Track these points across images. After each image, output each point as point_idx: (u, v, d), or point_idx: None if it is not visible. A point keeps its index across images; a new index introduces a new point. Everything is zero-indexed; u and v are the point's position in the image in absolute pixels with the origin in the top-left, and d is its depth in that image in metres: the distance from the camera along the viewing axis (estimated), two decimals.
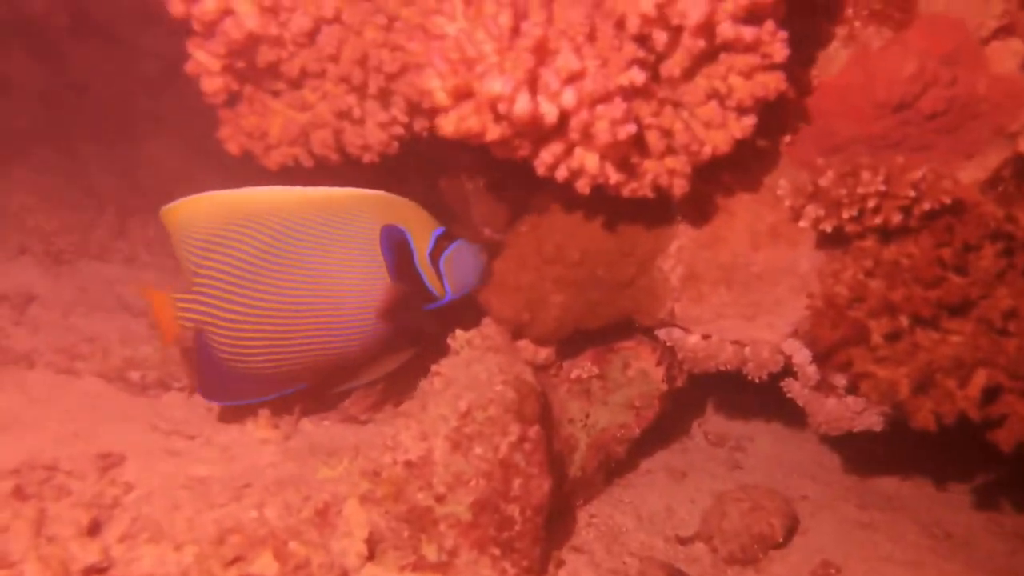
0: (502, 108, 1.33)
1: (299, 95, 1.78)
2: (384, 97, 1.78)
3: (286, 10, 1.62)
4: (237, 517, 1.66)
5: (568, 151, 1.44)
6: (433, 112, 1.43)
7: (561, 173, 1.52)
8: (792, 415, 2.16)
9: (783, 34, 1.46)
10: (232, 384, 2.13)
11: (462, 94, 1.35)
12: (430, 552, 1.75)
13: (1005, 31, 1.58)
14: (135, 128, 4.24)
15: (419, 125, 1.87)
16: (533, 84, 1.35)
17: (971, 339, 1.55)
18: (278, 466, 2.00)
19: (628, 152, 1.46)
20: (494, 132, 1.36)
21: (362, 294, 1.98)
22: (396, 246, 1.97)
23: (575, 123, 1.35)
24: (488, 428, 1.80)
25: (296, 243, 1.93)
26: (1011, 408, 1.50)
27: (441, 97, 1.35)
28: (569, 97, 1.30)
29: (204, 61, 1.72)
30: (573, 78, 1.33)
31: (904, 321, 1.61)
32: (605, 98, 1.34)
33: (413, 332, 2.11)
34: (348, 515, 1.76)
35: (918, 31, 1.62)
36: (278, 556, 1.55)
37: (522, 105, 1.31)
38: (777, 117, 1.70)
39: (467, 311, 2.28)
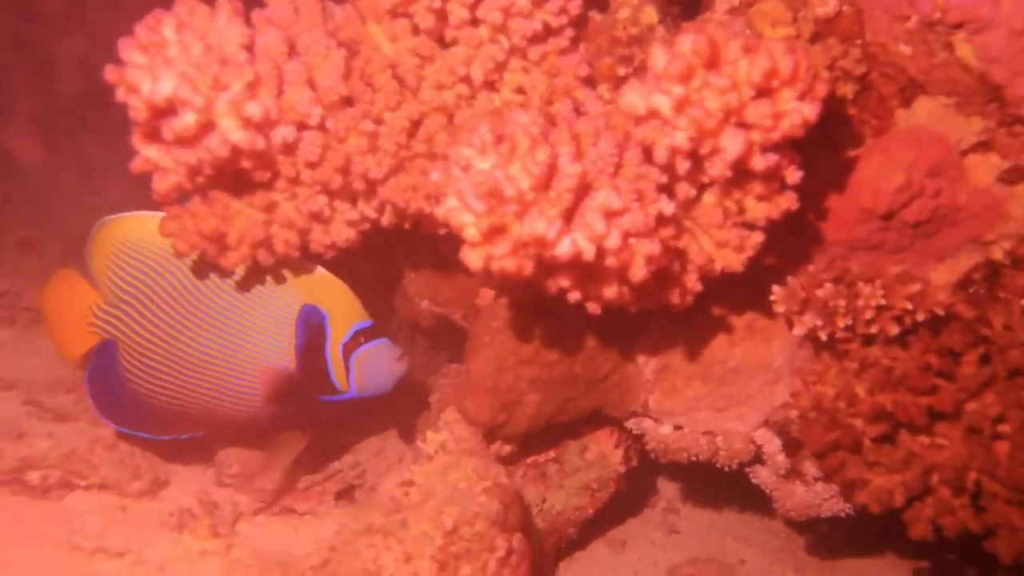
0: (543, 250, 1.24)
1: (265, 196, 1.62)
2: (364, 199, 1.65)
3: (270, 123, 1.46)
4: None
5: (598, 285, 1.37)
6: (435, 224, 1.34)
7: (576, 298, 1.45)
8: (718, 473, 2.17)
9: (798, 157, 1.45)
10: (129, 407, 2.08)
11: (495, 232, 1.25)
12: None
13: (984, 146, 1.63)
14: None
15: (387, 220, 1.75)
16: (569, 221, 1.27)
17: (963, 446, 1.60)
18: None
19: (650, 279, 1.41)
20: (527, 270, 1.27)
21: (263, 363, 1.93)
22: (310, 328, 1.90)
23: (612, 260, 1.29)
24: (476, 544, 1.71)
25: (222, 292, 1.90)
26: (1003, 517, 1.56)
27: (472, 234, 1.25)
28: (614, 239, 1.23)
29: (157, 159, 1.53)
30: (612, 215, 1.26)
31: (896, 427, 1.64)
32: (643, 234, 1.28)
33: (304, 419, 2.05)
34: None
35: (902, 142, 1.65)
36: None
37: (565, 247, 1.23)
38: None
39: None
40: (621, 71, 1.71)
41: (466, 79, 1.59)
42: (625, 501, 2.39)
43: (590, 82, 1.67)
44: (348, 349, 1.92)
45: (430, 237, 1.89)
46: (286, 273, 1.89)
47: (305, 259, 1.82)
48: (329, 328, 1.91)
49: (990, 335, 1.65)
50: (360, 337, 1.93)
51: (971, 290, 1.72)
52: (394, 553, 1.69)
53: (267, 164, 1.56)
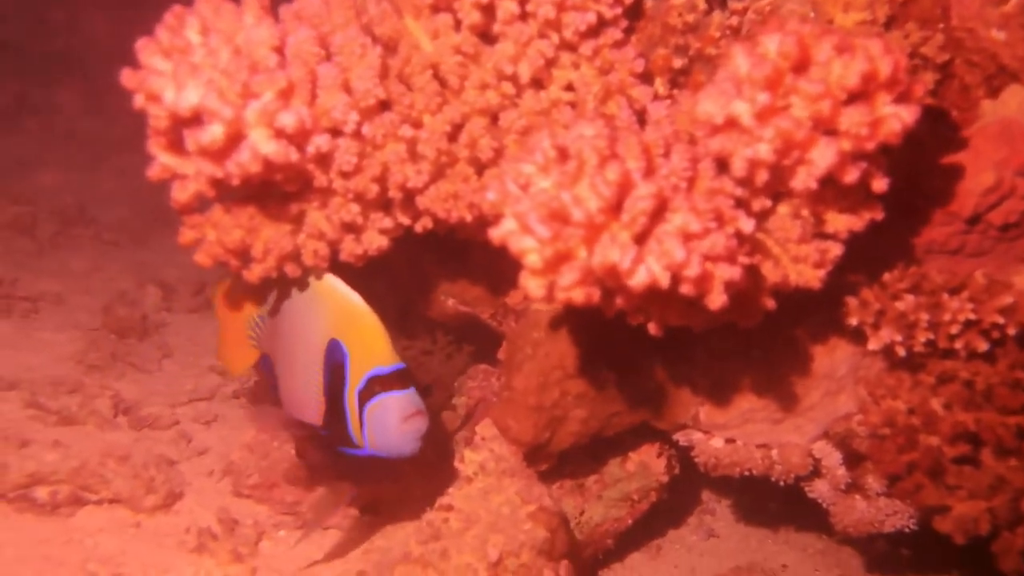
0: (615, 280, 1.11)
1: (295, 206, 1.47)
2: (401, 209, 1.51)
3: (304, 134, 1.31)
4: None
5: (667, 309, 1.24)
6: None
7: (639, 321, 1.32)
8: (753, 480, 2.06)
9: (885, 163, 1.31)
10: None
11: (561, 259, 1.12)
12: None
13: None
14: None
15: (421, 227, 1.61)
16: (643, 245, 1.13)
17: None
18: None
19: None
20: (595, 298, 1.14)
21: (310, 397, 1.70)
22: (334, 368, 1.64)
23: (689, 288, 1.15)
24: (523, 575, 1.60)
25: (297, 311, 1.71)
26: None
27: (535, 261, 1.12)
28: (695, 266, 1.10)
29: (176, 167, 1.39)
30: (691, 238, 1.13)
31: (979, 448, 1.52)
32: (723, 258, 1.14)
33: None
34: None
35: (991, 137, 1.51)
36: None
37: (641, 277, 1.09)
38: None
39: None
40: (677, 63, 1.56)
41: (512, 78, 1.44)
42: (661, 506, 2.28)
43: (645, 77, 1.53)
44: (363, 398, 1.61)
45: (462, 240, 1.75)
46: (324, 295, 1.66)
47: (336, 272, 1.64)
48: (348, 370, 1.62)
49: None
50: (375, 386, 1.60)
51: None
52: None
53: (298, 175, 1.41)
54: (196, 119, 1.27)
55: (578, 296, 1.14)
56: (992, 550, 1.54)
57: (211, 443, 2.42)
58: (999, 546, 1.51)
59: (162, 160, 1.39)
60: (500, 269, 2.09)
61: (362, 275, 2.32)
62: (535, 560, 1.61)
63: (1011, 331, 1.49)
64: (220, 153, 1.29)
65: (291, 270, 1.55)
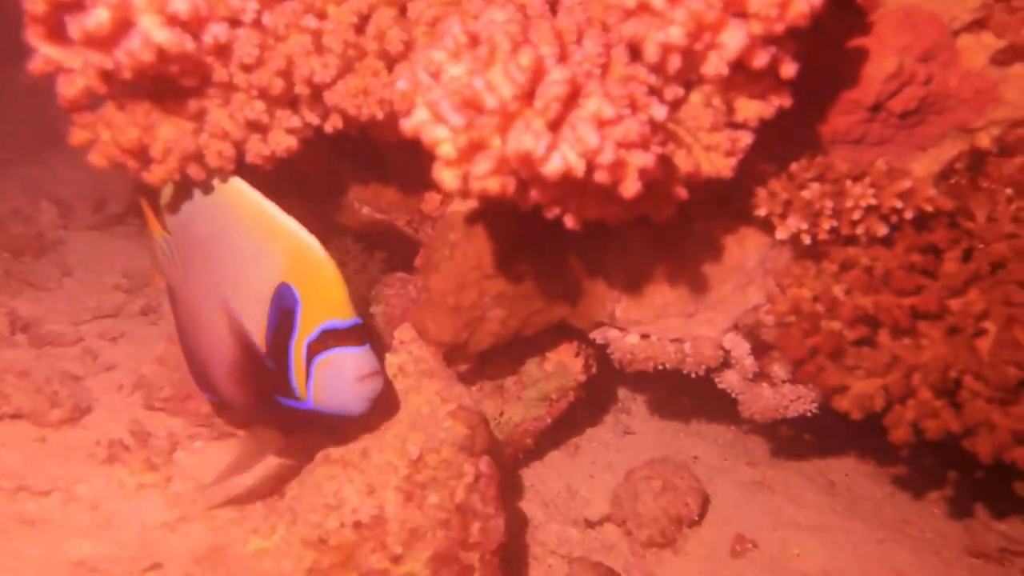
0: (529, 167, 1.10)
1: (194, 103, 1.41)
2: (308, 106, 1.45)
3: (199, 21, 1.24)
4: None
5: (582, 200, 1.24)
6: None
7: (555, 214, 1.32)
8: (673, 376, 2.09)
9: (794, 48, 1.32)
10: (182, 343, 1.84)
11: (475, 148, 1.10)
12: None
13: (978, 24, 1.52)
14: None
15: (332, 127, 1.56)
16: (557, 133, 1.12)
17: (945, 346, 1.55)
18: (180, 530, 1.70)
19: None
20: (511, 189, 1.13)
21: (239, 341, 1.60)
22: (281, 313, 1.52)
23: (603, 175, 1.15)
24: (443, 472, 1.62)
25: (222, 247, 1.59)
26: (984, 416, 1.53)
27: (448, 151, 1.09)
28: (608, 152, 1.09)
29: (61, 59, 1.30)
30: (605, 124, 1.12)
31: (876, 329, 1.58)
32: (637, 145, 1.14)
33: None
34: None
35: (893, 25, 1.52)
36: None
37: (555, 164, 1.09)
38: None
39: None
40: None
41: None
42: (580, 407, 2.33)
43: None
44: (312, 350, 1.50)
45: (375, 141, 1.71)
46: (275, 233, 1.52)
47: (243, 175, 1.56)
48: (299, 318, 1.50)
49: (973, 228, 1.59)
50: (329, 339, 1.49)
51: (952, 181, 1.64)
52: (356, 485, 1.59)
53: (196, 68, 1.34)
54: (78, 3, 1.19)
55: (493, 186, 1.12)
56: (884, 423, 1.61)
57: (119, 359, 2.34)
58: (891, 419, 1.59)
59: (44, 52, 1.30)
60: (416, 174, 2.06)
61: (271, 180, 2.25)
62: (456, 456, 1.63)
63: (908, 215, 1.54)
64: (108, 41, 1.21)
65: (195, 172, 1.49)
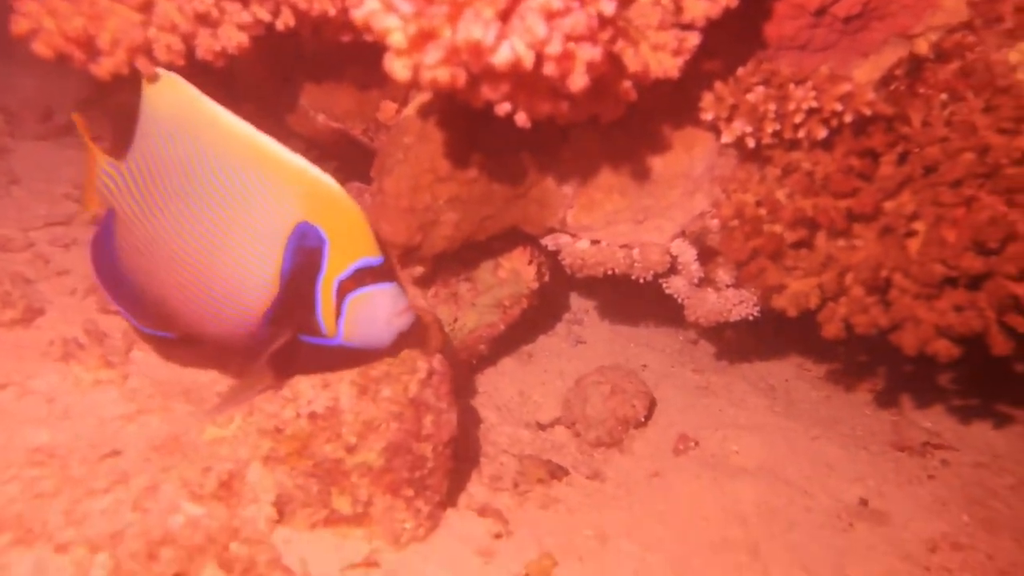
0: (479, 58, 1.12)
1: None
2: (258, 1, 1.45)
3: None
4: (155, 521, 1.43)
5: (532, 95, 1.27)
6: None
7: (504, 109, 1.34)
8: (620, 286, 2.18)
9: None
10: (118, 277, 1.77)
11: (425, 38, 1.12)
12: (343, 505, 1.63)
13: None
14: None
15: (283, 23, 1.56)
16: (506, 23, 1.15)
17: (877, 245, 1.62)
18: (138, 420, 1.74)
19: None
20: (461, 80, 1.15)
21: (239, 279, 1.58)
22: (304, 252, 1.53)
23: (552, 68, 1.18)
24: (396, 368, 1.67)
25: (213, 183, 1.54)
26: (910, 311, 1.61)
27: (398, 40, 1.11)
28: (556, 44, 1.12)
29: None
30: (554, 16, 1.15)
31: (815, 231, 1.65)
32: (585, 38, 1.17)
33: (275, 358, 1.65)
34: (253, 481, 1.58)
35: None
36: (223, 564, 1.37)
37: (504, 54, 1.11)
38: None
39: None
40: None
41: None
42: (533, 316, 2.40)
43: None
44: (344, 288, 1.53)
45: (330, 44, 1.71)
46: (288, 174, 1.50)
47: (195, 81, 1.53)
48: (327, 257, 1.52)
49: (909, 133, 1.65)
50: (365, 277, 1.53)
51: (892, 87, 1.69)
52: (311, 379, 1.63)
53: None
54: None
55: (443, 76, 1.15)
56: (818, 319, 1.69)
57: (72, 265, 2.34)
58: (824, 315, 1.67)
59: None
60: (373, 81, 2.07)
61: (225, 85, 2.23)
62: (409, 352, 1.68)
63: (848, 119, 1.59)
64: None
65: (143, 66, 1.48)
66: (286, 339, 1.58)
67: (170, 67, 1.53)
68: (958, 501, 1.91)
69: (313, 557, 1.55)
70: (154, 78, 1.50)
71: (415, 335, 1.67)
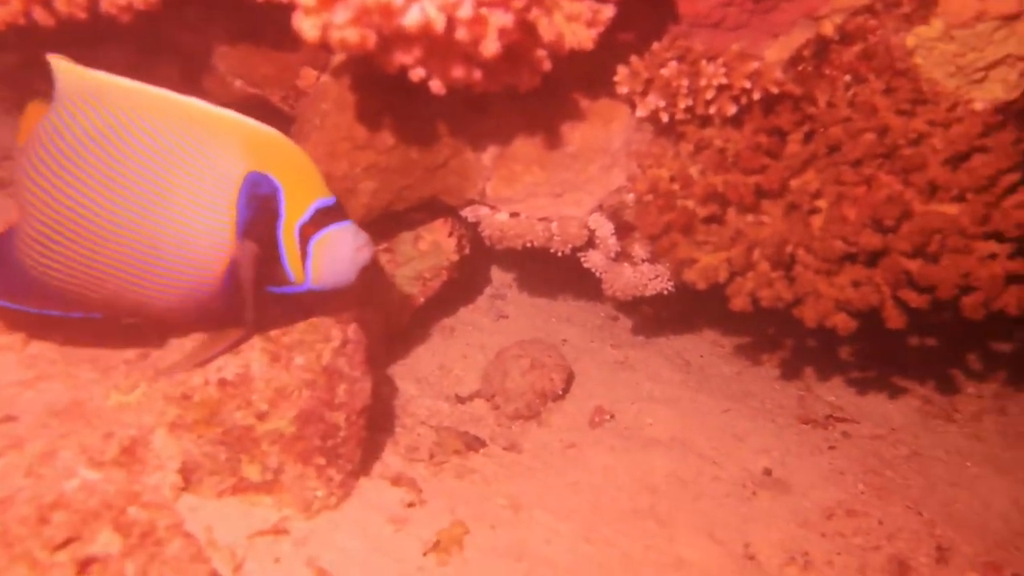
0: (389, 19, 1.12)
1: None
2: None
3: None
4: (48, 485, 1.40)
5: (445, 61, 1.27)
6: None
7: (417, 75, 1.35)
8: (541, 260, 2.20)
9: None
10: (16, 279, 1.66)
11: None
12: (252, 472, 1.63)
13: None
14: None
15: None
16: None
17: (783, 222, 1.66)
18: (37, 387, 1.70)
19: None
20: (371, 42, 1.15)
21: (190, 242, 1.53)
22: (259, 201, 1.51)
23: (463, 33, 1.19)
24: (310, 336, 1.66)
25: (140, 152, 1.48)
26: (812, 286, 1.67)
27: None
28: (467, 8, 1.13)
29: None
30: None
31: (725, 207, 1.69)
32: (496, 4, 1.18)
33: (244, 312, 1.61)
34: (158, 448, 1.56)
35: None
36: (119, 529, 1.35)
37: (414, 16, 1.12)
38: None
39: None
40: None
41: None
42: (455, 290, 2.41)
43: None
44: (306, 232, 1.53)
45: (247, 5, 1.68)
46: (223, 130, 1.47)
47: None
48: (284, 204, 1.51)
49: (815, 113, 1.69)
50: (324, 218, 1.53)
51: (800, 67, 1.74)
52: None
53: None
54: None
55: (352, 37, 1.14)
56: (727, 293, 1.74)
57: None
58: (732, 289, 1.72)
59: None
60: (292, 47, 2.04)
61: (142, 51, 2.18)
62: (322, 320, 1.67)
63: (756, 96, 1.63)
64: None
65: (42, 17, 1.44)
66: (254, 292, 1.56)
67: (71, 19, 1.49)
68: (855, 471, 1.98)
69: (219, 524, 1.54)
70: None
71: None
